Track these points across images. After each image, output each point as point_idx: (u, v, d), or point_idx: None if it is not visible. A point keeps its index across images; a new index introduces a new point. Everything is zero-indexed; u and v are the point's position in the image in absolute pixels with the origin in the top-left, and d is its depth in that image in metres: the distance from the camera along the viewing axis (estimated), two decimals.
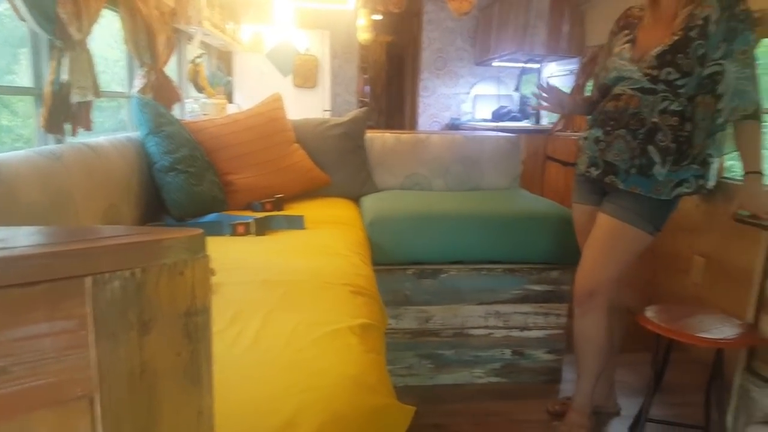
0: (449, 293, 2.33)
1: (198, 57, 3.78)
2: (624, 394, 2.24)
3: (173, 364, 0.53)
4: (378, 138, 3.05)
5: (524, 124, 4.98)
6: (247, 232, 2.04)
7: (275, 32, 4.29)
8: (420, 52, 5.81)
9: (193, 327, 0.54)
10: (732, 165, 2.72)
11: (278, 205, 2.50)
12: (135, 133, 2.35)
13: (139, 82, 2.62)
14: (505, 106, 5.31)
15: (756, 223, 1.60)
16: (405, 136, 3.09)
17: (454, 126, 5.54)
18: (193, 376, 0.55)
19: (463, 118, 5.65)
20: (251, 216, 2.15)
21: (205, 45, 4.09)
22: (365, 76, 8.03)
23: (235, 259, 1.67)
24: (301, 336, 1.15)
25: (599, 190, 1.89)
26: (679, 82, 1.66)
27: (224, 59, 4.61)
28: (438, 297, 2.32)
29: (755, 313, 1.72)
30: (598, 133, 1.83)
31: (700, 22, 1.64)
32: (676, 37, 1.67)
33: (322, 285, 1.46)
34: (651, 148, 1.70)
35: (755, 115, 1.65)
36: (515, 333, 2.38)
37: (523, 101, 5.38)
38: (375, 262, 2.11)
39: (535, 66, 5.16)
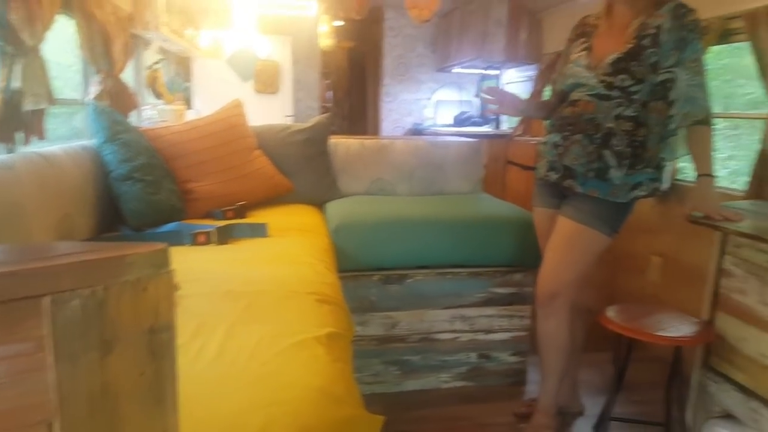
0: (415, 298, 2.33)
1: (156, 63, 3.70)
2: (588, 394, 2.29)
3: (137, 384, 0.51)
4: (342, 143, 3.04)
5: (485, 129, 5.05)
6: (208, 242, 2.00)
7: (235, 38, 4.24)
8: (381, 59, 5.83)
9: (158, 345, 0.52)
10: (684, 167, 2.81)
11: (240, 212, 2.46)
12: (90, 141, 2.28)
13: (94, 89, 2.54)
14: (466, 112, 5.38)
15: (709, 223, 1.66)
16: (369, 141, 3.10)
17: (416, 131, 5.58)
18: (158, 395, 0.53)
19: (426, 124, 5.69)
20: (212, 225, 2.10)
21: (163, 51, 4.00)
22: (327, 82, 8.01)
23: (196, 270, 1.63)
24: (267, 348, 1.13)
25: (559, 194, 1.92)
26: (633, 89, 1.71)
27: (183, 65, 4.52)
28: (404, 302, 2.33)
29: (710, 310, 1.78)
30: (556, 138, 1.87)
31: (652, 31, 1.70)
32: (629, 46, 1.72)
33: (286, 294, 1.44)
34: (607, 153, 1.75)
35: (706, 121, 1.72)
36: (480, 336, 2.41)
37: (484, 107, 5.46)
38: (340, 268, 2.10)
39: (495, 72, 5.25)
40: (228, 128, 2.67)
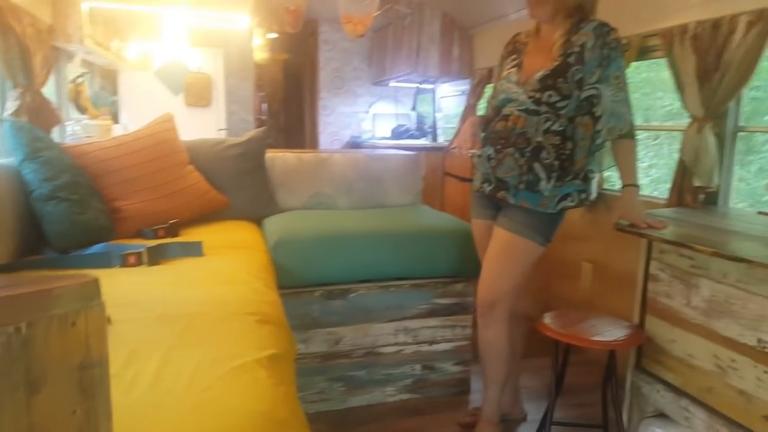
0: (359, 313, 2.32)
1: (79, 76, 3.53)
2: (529, 399, 2.34)
3: (67, 424, 0.47)
4: (279, 158, 2.99)
5: (422, 141, 5.13)
6: (139, 263, 1.90)
7: (165, 50, 4.11)
8: (317, 72, 5.82)
9: (89, 381, 0.48)
10: (610, 176, 2.95)
11: (173, 231, 2.36)
12: (8, 160, 2.13)
13: (12, 105, 2.39)
14: (404, 125, 5.44)
15: (635, 231, 1.74)
16: (307, 155, 3.07)
17: (355, 144, 5.59)
18: None
19: (364, 136, 5.72)
20: (143, 244, 2.01)
21: (87, 63, 3.82)
22: (261, 94, 7.89)
23: (127, 293, 1.55)
24: (206, 373, 1.08)
25: (494, 206, 1.97)
26: (559, 104, 1.78)
27: (109, 78, 4.33)
28: (347, 317, 2.31)
29: (640, 314, 1.87)
30: (489, 151, 1.92)
31: (577, 49, 1.77)
32: (556, 63, 1.79)
33: (225, 316, 1.39)
34: (537, 165, 1.80)
35: (630, 134, 1.81)
36: (424, 348, 2.42)
37: (420, 119, 5.55)
38: (281, 285, 2.05)
39: (430, 87, 5.34)
40: (158, 143, 2.58)
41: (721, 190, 2.10)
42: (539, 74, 1.80)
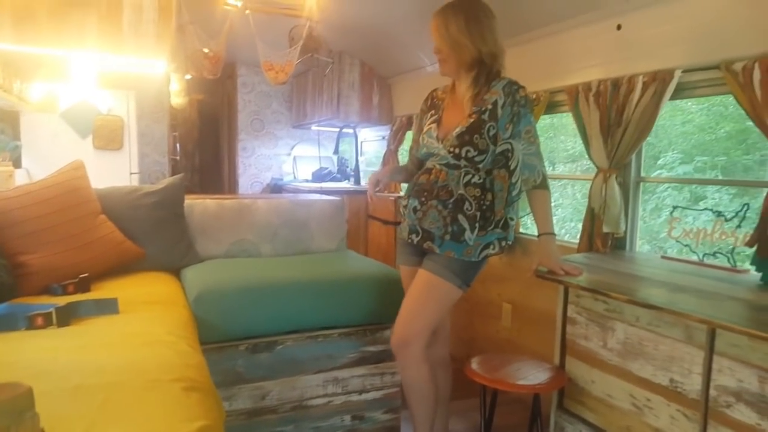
0: (286, 365, 2.25)
1: None
2: None
3: None
4: (198, 204, 2.90)
5: (345, 184, 5.16)
6: (47, 324, 1.76)
7: (72, 91, 3.91)
8: (236, 114, 5.75)
9: None
10: (525, 221, 3.11)
11: (84, 286, 2.21)
12: None
13: None
14: (326, 168, 5.45)
15: (553, 278, 1.84)
16: (228, 201, 3.00)
17: (276, 186, 5.52)
18: None
19: (286, 179, 5.67)
20: (52, 303, 1.86)
21: None
22: (174, 134, 7.66)
23: (37, 361, 1.42)
24: None
25: (420, 252, 2.01)
26: (477, 158, 1.86)
27: (10, 121, 4.05)
28: (274, 371, 2.24)
29: (561, 355, 1.95)
30: (414, 203, 1.97)
31: (489, 106, 1.86)
32: (471, 120, 1.87)
33: (148, 384, 1.30)
34: (461, 217, 1.87)
35: (543, 185, 1.93)
36: (354, 397, 2.38)
37: (342, 162, 5.59)
38: (203, 340, 1.97)
39: (350, 131, 5.41)
40: (67, 192, 2.43)
41: (628, 236, 2.27)
42: (456, 131, 1.88)
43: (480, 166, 1.87)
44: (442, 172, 1.90)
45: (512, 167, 1.88)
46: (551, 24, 2.47)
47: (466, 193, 1.87)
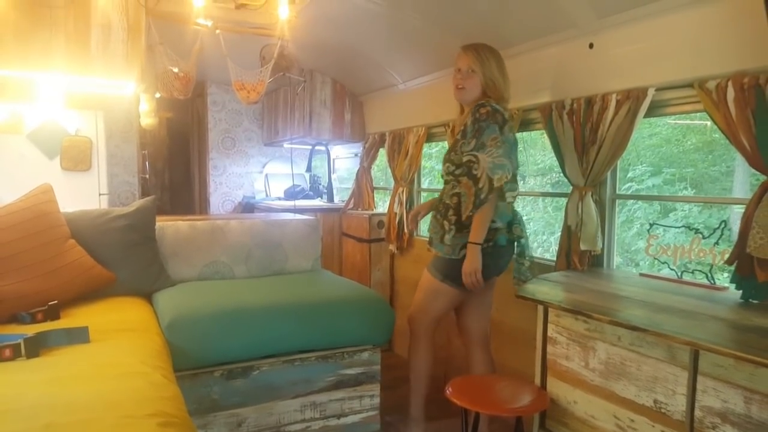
0: (263, 390, 2.21)
1: None
2: None
3: None
4: (170, 226, 2.85)
5: (317, 202, 5.12)
6: (15, 356, 1.69)
7: (39, 111, 3.80)
8: (206, 132, 5.68)
9: None
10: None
11: (53, 313, 2.14)
12: None
13: None
14: (299, 185, 5.41)
15: (535, 300, 1.84)
16: (201, 222, 2.94)
17: (248, 204, 5.45)
18: None
19: (258, 197, 5.60)
20: (20, 334, 1.79)
21: None
22: (144, 152, 7.52)
23: (4, 397, 1.36)
24: None
25: None
26: (456, 172, 2.21)
27: None
28: (250, 397, 2.19)
29: (542, 376, 1.95)
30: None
31: (463, 127, 2.20)
32: (453, 141, 2.25)
33: (122, 421, 1.24)
34: (445, 222, 2.25)
35: (501, 192, 2.14)
36: (332, 422, 2.35)
37: (315, 180, 5.56)
38: (177, 367, 1.92)
39: (322, 148, 5.39)
40: (35, 217, 2.36)
41: (605, 253, 2.29)
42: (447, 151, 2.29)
43: (460, 179, 2.18)
44: (443, 189, 2.32)
45: (477, 175, 2.10)
46: (525, 42, 2.50)
47: (450, 202, 2.24)
